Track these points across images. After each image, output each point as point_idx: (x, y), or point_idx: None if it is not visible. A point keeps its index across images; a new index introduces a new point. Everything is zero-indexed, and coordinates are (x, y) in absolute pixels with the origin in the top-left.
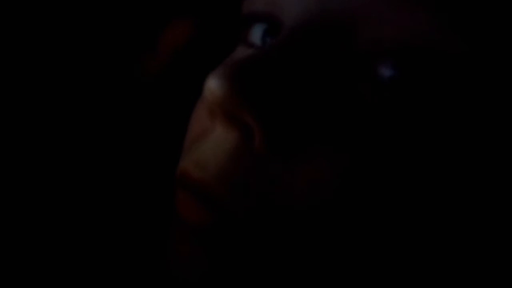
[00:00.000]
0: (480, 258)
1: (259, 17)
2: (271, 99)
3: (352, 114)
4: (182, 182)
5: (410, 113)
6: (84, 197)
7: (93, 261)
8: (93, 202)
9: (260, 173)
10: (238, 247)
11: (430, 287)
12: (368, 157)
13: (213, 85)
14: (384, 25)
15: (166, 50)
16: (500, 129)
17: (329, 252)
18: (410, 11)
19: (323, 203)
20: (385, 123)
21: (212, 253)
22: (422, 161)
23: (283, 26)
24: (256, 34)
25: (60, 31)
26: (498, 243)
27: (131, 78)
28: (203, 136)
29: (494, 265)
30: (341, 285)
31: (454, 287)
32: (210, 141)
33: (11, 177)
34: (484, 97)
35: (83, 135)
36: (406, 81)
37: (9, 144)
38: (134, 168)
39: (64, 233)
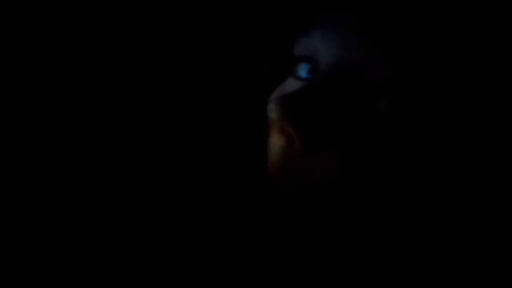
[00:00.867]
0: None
1: (304, 58)
2: (306, 120)
3: (356, 130)
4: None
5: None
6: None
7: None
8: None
9: (299, 164)
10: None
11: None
12: (359, 156)
13: (272, 108)
14: (379, 69)
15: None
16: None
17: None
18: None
19: (333, 181)
20: (377, 135)
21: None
22: (399, 159)
23: (320, 66)
24: (302, 70)
25: None
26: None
27: None
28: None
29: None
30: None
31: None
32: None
33: (11, 177)
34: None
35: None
36: (395, 111)
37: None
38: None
39: (64, 233)
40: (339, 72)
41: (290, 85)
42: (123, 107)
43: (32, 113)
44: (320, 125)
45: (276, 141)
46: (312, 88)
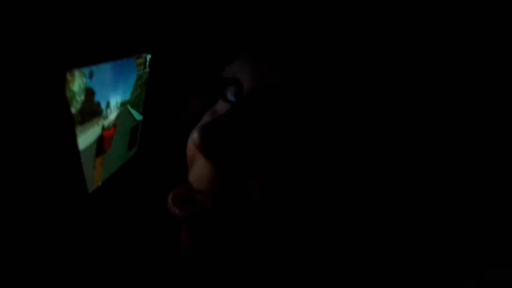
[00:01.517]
0: None
1: (229, 81)
2: (222, 146)
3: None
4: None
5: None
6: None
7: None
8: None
9: (225, 184)
10: (212, 230)
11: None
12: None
13: (194, 136)
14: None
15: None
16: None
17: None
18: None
19: (260, 200)
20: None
21: (197, 236)
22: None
23: (243, 89)
24: (230, 93)
25: None
26: None
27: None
28: (195, 158)
29: None
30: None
31: None
32: (200, 163)
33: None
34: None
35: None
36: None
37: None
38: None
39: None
40: (255, 94)
41: (220, 106)
42: None
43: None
44: (236, 153)
45: (203, 162)
46: (229, 116)
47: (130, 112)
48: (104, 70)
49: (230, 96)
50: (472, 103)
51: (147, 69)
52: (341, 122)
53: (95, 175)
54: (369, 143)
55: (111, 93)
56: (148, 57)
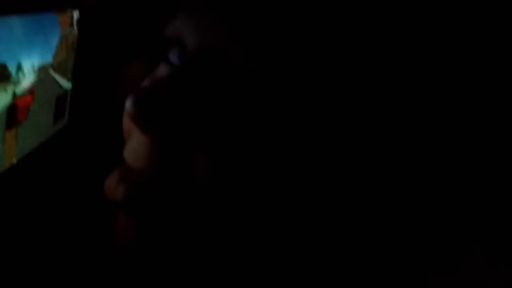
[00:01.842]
0: None
1: (172, 41)
2: (160, 116)
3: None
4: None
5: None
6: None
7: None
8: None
9: (165, 161)
10: (152, 214)
11: None
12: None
13: (127, 105)
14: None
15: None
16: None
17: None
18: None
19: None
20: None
21: (137, 222)
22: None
23: (187, 51)
24: (172, 55)
25: None
26: None
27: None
28: (132, 133)
29: None
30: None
31: None
32: (136, 138)
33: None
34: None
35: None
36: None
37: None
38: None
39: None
40: (200, 56)
41: (162, 71)
42: None
43: None
44: (178, 125)
45: (141, 140)
46: (169, 82)
47: (54, 79)
48: (10, 25)
49: (173, 58)
50: (473, 102)
51: (75, 29)
52: (301, 101)
53: (6, 150)
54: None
55: (22, 54)
56: (75, 14)
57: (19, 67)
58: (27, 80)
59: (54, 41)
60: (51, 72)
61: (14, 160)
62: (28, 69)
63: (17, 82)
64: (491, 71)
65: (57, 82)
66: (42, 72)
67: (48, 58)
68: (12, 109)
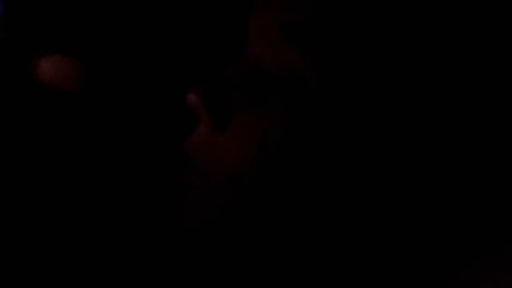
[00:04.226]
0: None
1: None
2: (212, 95)
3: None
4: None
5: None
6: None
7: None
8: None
9: (213, 147)
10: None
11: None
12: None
13: (188, 95)
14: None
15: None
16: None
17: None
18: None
19: (252, 164)
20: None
21: (205, 199)
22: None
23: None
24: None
25: None
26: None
27: None
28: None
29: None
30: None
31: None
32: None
33: (11, 177)
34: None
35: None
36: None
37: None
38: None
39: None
40: (275, 75)
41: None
42: None
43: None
44: (225, 99)
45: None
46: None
47: None
48: None
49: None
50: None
51: None
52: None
53: None
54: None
55: None
56: None
57: None
58: None
59: None
60: None
61: None
62: None
63: None
64: None
65: None
66: None
67: None
68: None
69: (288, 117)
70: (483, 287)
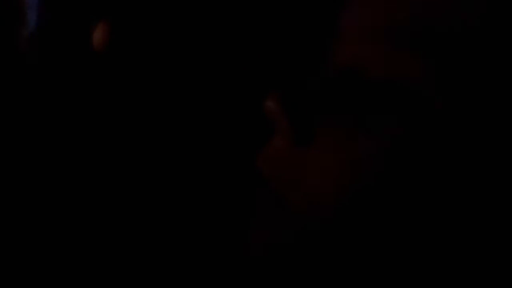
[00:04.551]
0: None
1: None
2: (297, 108)
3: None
4: None
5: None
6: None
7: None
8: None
9: (291, 165)
10: None
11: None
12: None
13: (267, 103)
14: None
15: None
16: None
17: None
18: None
19: (335, 185)
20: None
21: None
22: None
23: None
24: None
25: None
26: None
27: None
28: None
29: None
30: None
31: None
32: None
33: (11, 177)
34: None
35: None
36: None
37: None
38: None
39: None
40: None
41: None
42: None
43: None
44: (311, 108)
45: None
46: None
47: None
48: None
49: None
50: None
51: None
52: None
53: None
54: None
55: None
56: None
57: None
58: None
59: None
60: None
61: None
62: None
63: None
64: None
65: None
66: None
67: None
68: None
69: (394, 138)
70: None
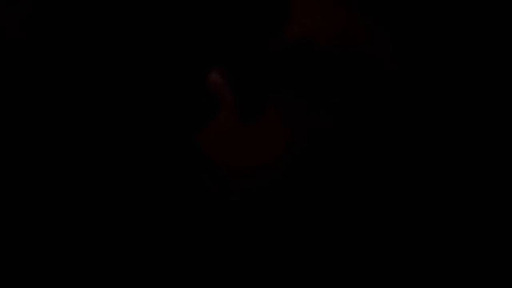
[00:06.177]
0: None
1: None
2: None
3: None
4: None
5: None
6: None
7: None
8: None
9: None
10: None
11: None
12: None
13: (210, 74)
14: None
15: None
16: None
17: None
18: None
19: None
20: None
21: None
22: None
23: None
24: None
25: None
26: None
27: None
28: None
29: None
30: None
31: None
32: None
33: (11, 177)
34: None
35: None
36: None
37: (9, 144)
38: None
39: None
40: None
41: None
42: None
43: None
44: (257, 82)
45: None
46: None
47: None
48: None
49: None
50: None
51: None
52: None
53: None
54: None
55: None
56: None
57: None
58: None
59: None
60: None
61: None
62: None
63: None
64: None
65: None
66: None
67: None
68: None
69: (348, 108)
70: None
